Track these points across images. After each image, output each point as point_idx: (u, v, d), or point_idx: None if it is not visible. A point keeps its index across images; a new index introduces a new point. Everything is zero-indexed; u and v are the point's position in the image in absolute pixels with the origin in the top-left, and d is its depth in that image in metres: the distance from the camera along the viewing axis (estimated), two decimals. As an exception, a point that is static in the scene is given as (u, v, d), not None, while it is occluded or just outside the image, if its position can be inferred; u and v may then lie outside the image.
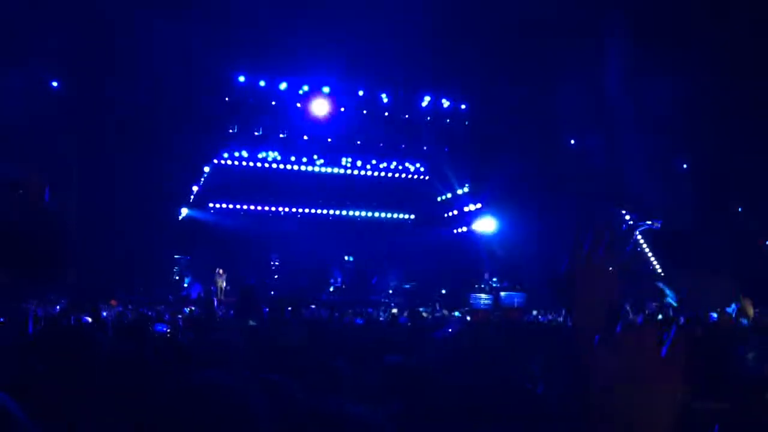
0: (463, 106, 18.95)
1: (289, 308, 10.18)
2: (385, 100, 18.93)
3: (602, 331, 0.93)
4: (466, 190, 22.45)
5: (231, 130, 19.33)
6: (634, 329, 0.89)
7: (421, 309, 15.75)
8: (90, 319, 7.53)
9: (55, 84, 15.02)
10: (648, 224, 18.22)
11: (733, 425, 0.84)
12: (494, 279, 19.66)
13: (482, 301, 17.76)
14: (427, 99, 18.97)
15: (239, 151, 20.45)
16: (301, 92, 18.78)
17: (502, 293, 17.68)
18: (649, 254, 18.88)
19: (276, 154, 20.66)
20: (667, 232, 16.79)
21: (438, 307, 17.87)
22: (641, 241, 19.32)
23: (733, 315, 9.82)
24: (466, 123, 19.23)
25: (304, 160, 21.03)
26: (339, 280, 22.54)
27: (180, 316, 8.60)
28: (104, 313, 9.75)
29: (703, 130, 13.93)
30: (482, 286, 20.20)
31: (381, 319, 12.11)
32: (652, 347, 0.87)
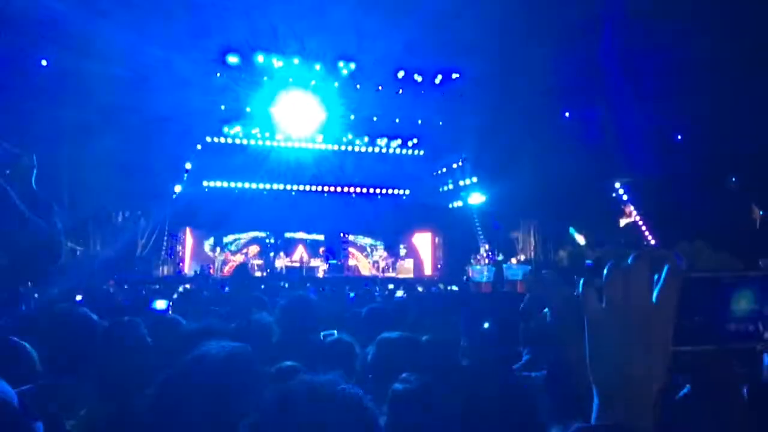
0: (454, 75, 18.66)
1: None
2: (379, 74, 18.71)
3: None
4: (460, 164, 22.37)
5: (222, 107, 19.12)
6: (623, 273, 0.84)
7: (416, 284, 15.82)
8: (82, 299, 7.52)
9: (44, 63, 14.78)
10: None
11: (718, 369, 0.81)
12: (497, 252, 19.63)
13: (483, 275, 17.66)
14: (420, 76, 18.75)
15: (232, 128, 20.23)
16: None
17: (506, 266, 17.48)
18: (643, 227, 18.92)
19: (269, 133, 20.42)
20: (661, 204, 16.77)
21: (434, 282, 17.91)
22: (635, 214, 19.35)
23: None
24: (461, 95, 19.03)
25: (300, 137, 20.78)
26: (335, 256, 22.58)
27: (175, 295, 8.61)
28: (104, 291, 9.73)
29: (698, 99, 13.83)
30: (480, 258, 20.25)
31: (377, 294, 12.13)
32: (642, 292, 0.83)
